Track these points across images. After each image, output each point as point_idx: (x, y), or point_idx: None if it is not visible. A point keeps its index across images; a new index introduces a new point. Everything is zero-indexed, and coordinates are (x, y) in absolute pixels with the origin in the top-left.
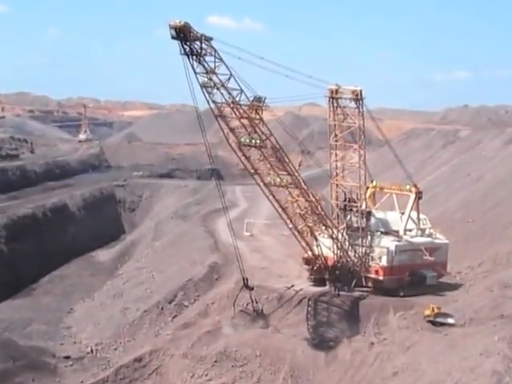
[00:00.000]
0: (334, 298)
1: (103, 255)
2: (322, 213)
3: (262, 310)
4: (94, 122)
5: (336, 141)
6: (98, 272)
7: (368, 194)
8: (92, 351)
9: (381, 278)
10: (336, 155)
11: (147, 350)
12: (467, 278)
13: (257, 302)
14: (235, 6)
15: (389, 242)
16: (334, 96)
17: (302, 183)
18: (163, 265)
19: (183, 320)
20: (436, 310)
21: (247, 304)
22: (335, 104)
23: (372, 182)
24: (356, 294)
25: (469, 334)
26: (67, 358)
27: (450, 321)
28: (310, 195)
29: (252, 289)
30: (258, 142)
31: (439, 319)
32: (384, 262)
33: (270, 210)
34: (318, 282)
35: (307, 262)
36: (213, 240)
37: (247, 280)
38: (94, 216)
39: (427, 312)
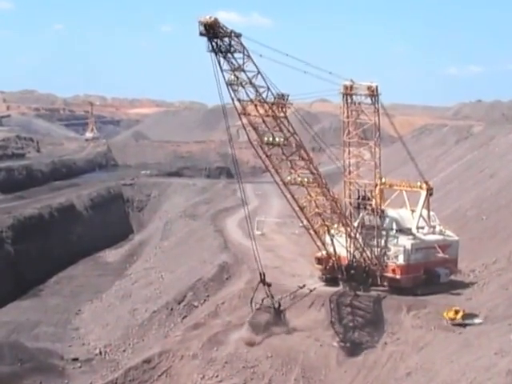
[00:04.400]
0: (351, 298)
1: (111, 255)
2: (341, 211)
3: (279, 306)
4: (101, 120)
5: (349, 138)
6: (106, 272)
7: (376, 192)
8: (100, 353)
9: (398, 276)
10: (349, 152)
11: (156, 352)
12: (481, 276)
13: (273, 298)
14: (243, 1)
15: (405, 240)
16: (348, 92)
17: (323, 182)
18: (172, 265)
19: (193, 321)
20: (461, 313)
21: (263, 299)
22: (349, 100)
23: (381, 179)
24: (373, 293)
25: (483, 332)
26: (75, 359)
27: (478, 321)
28: (330, 194)
29: (270, 285)
30: (282, 140)
31: (467, 321)
32: (401, 260)
33: (281, 209)
34: (330, 281)
35: (319, 261)
36: (222, 239)
37: (264, 275)
38: (101, 216)
39: (450, 315)
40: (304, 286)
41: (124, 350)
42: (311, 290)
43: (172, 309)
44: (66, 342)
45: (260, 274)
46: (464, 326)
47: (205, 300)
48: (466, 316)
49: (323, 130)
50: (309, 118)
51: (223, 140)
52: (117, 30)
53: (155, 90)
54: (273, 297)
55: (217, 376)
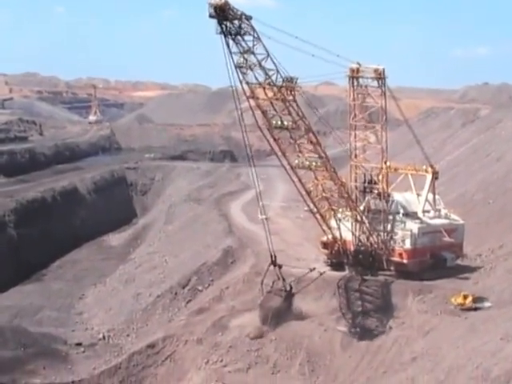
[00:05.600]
0: (358, 283)
1: (115, 239)
2: (349, 196)
3: (291, 289)
4: (104, 103)
5: (355, 121)
6: (109, 257)
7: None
8: (104, 337)
9: (405, 261)
10: (355, 136)
11: (160, 336)
12: (488, 260)
13: (284, 280)
14: None
15: (412, 225)
16: (354, 75)
17: (331, 166)
18: (176, 249)
19: (197, 305)
20: (470, 297)
21: (273, 282)
22: (355, 83)
23: (386, 162)
24: (381, 278)
25: (489, 317)
26: (79, 344)
27: (487, 304)
28: (338, 178)
29: (280, 266)
30: (291, 123)
31: (477, 304)
32: (408, 244)
33: (286, 193)
34: (335, 265)
35: (325, 245)
36: (227, 223)
37: (275, 257)
38: (104, 199)
39: (459, 300)
40: (314, 268)
41: (128, 335)
42: (321, 273)
43: (176, 293)
44: (69, 326)
45: (271, 256)
46: (475, 309)
47: (209, 284)
48: (475, 300)
49: (328, 114)
50: (314, 101)
51: (227, 123)
52: (119, 13)
53: (159, 72)
54: (284, 279)
55: (221, 360)
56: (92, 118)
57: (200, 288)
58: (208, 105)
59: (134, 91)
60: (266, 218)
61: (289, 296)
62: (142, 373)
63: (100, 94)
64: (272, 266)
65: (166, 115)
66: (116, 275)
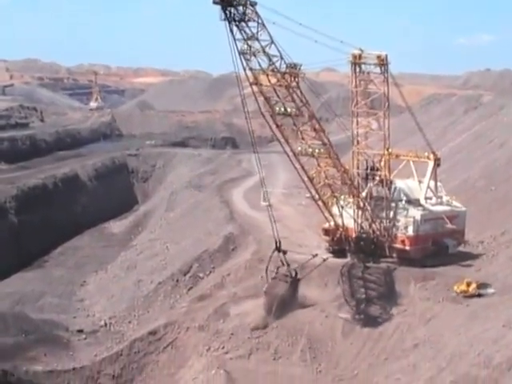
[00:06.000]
0: (361, 270)
1: (116, 226)
2: (352, 182)
3: (296, 274)
4: (105, 90)
5: (357, 108)
6: (110, 243)
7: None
8: (105, 324)
9: (407, 247)
10: (357, 122)
11: (162, 323)
12: (490, 247)
13: (289, 266)
14: None
15: (414, 212)
16: (356, 61)
17: (334, 152)
18: (177, 236)
19: (198, 292)
20: (474, 284)
21: (277, 268)
22: (358, 70)
23: (387, 149)
24: (383, 265)
25: (491, 304)
26: (80, 331)
27: (491, 291)
28: (341, 164)
29: (285, 252)
30: (294, 110)
31: (481, 291)
32: (410, 231)
33: (288, 179)
34: (337, 252)
35: (327, 232)
36: (228, 210)
37: (280, 243)
38: (106, 186)
39: (462, 288)
40: (316, 255)
41: (129, 322)
42: (324, 260)
43: (177, 280)
44: (70, 313)
45: (276, 242)
46: (478, 296)
47: (210, 271)
48: (479, 286)
49: (330, 100)
50: (316, 87)
51: (228, 110)
52: None
53: (160, 58)
54: (289, 265)
55: (223, 347)
56: (93, 104)
57: (201, 275)
58: (209, 91)
59: (135, 77)
60: (269, 205)
61: (294, 282)
62: (143, 360)
63: (101, 81)
64: (276, 252)
65: (167, 102)
66: (117, 262)
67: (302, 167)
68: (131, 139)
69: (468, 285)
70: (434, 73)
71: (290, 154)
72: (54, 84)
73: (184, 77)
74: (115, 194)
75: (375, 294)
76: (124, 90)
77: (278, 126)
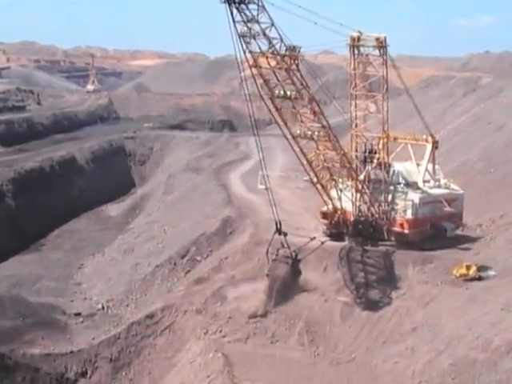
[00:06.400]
0: (360, 253)
1: (113, 209)
2: (351, 165)
3: (296, 256)
4: (103, 72)
5: (356, 90)
6: (108, 227)
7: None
8: (103, 308)
9: (406, 231)
10: (356, 105)
11: (159, 307)
12: (488, 230)
13: (289, 248)
14: None
15: (413, 195)
16: (355, 44)
17: (333, 135)
18: (175, 219)
19: (196, 275)
20: (474, 267)
21: (278, 250)
22: (356, 52)
23: (385, 131)
24: (382, 248)
25: (490, 287)
26: (78, 314)
27: (492, 273)
28: (341, 147)
29: (286, 234)
30: (294, 93)
31: (482, 273)
32: (409, 214)
33: (285, 162)
34: (335, 236)
35: (325, 215)
36: (226, 193)
37: (281, 224)
38: (103, 169)
39: (462, 271)
40: (314, 238)
41: (127, 305)
42: (322, 242)
43: (175, 263)
44: (68, 296)
45: (276, 223)
46: (479, 279)
47: (208, 255)
48: (479, 269)
49: (328, 83)
50: (314, 70)
51: (226, 92)
52: None
53: (157, 41)
54: (289, 247)
55: (220, 331)
56: (90, 87)
57: (199, 258)
58: (207, 74)
59: (133, 60)
60: (266, 188)
61: (295, 263)
62: (140, 343)
63: (98, 63)
64: (277, 234)
65: (165, 84)
66: (115, 245)
67: (301, 150)
68: (128, 122)
69: (467, 268)
70: (433, 55)
71: (289, 137)
72: (51, 67)
73: (181, 59)
74: (112, 176)
75: (374, 278)
76: (121, 72)
77: (277, 109)
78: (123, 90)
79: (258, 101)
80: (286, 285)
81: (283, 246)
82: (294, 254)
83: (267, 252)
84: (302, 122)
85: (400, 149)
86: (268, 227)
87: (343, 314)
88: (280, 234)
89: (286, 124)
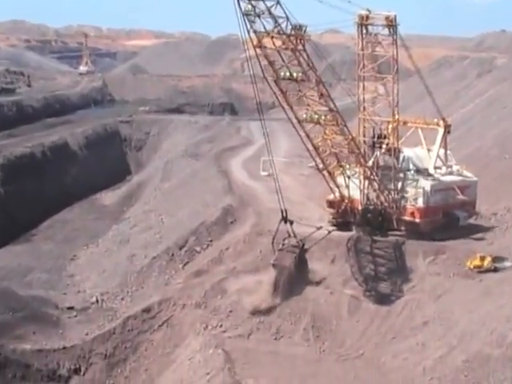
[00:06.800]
0: (369, 244)
1: (108, 198)
2: (360, 151)
3: (303, 245)
4: (96, 53)
5: (364, 72)
6: (102, 216)
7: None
8: (97, 301)
9: (417, 220)
10: (364, 87)
11: (156, 300)
12: (503, 219)
13: (296, 236)
14: None
15: (424, 182)
16: (363, 22)
17: (342, 119)
18: (173, 208)
19: (195, 267)
20: (489, 258)
21: (284, 239)
22: (364, 31)
23: (394, 115)
24: (392, 238)
25: (505, 279)
26: (71, 308)
27: (508, 264)
28: (349, 132)
29: (292, 222)
30: (300, 74)
31: (497, 264)
32: (420, 203)
33: (289, 148)
34: (341, 225)
35: (331, 204)
36: (226, 180)
37: (286, 212)
38: (97, 155)
39: (476, 262)
40: (321, 227)
41: (122, 299)
42: (330, 232)
43: (173, 254)
44: (60, 289)
45: (282, 211)
46: (494, 270)
47: (208, 245)
48: (495, 259)
49: (334, 64)
50: (319, 50)
51: (227, 74)
52: None
53: (154, 20)
54: (296, 236)
55: (221, 326)
56: (83, 68)
57: (198, 249)
58: (206, 54)
59: (128, 40)
60: (269, 175)
61: (302, 253)
62: (137, 338)
63: (91, 43)
64: (283, 223)
65: (162, 66)
66: (109, 236)
67: (307, 135)
68: (124, 105)
69: (482, 259)
70: (445, 34)
71: (295, 121)
72: (42, 47)
73: (180, 39)
74: (107, 163)
75: (383, 269)
76: (116, 53)
77: (282, 91)
78: (118, 72)
79: (260, 82)
80: (293, 276)
81: (289, 235)
82: (300, 244)
83: (273, 241)
84: (308, 105)
85: (410, 133)
86: (270, 217)
87: (350, 307)
88: (286, 222)
89: (291, 107)
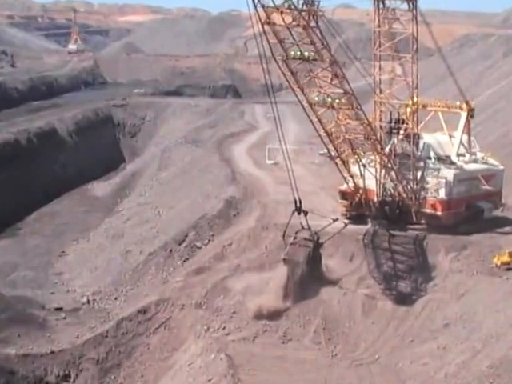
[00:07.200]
0: (387, 238)
1: (100, 188)
2: (377, 138)
3: (318, 239)
4: (87, 30)
5: (380, 51)
6: (93, 208)
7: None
8: (88, 301)
9: (438, 213)
10: (380, 67)
11: (153, 300)
12: None
13: (310, 229)
14: None
15: (446, 171)
16: None
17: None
18: (171, 199)
19: (195, 264)
20: None
21: (296, 232)
22: (381, 6)
23: (412, 98)
24: (411, 233)
25: None
26: (59, 309)
27: None
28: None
29: (306, 213)
30: (313, 54)
31: None
32: (442, 194)
33: (297, 134)
34: (355, 218)
35: (344, 195)
36: (229, 170)
37: (300, 202)
38: (88, 142)
39: (504, 259)
40: (337, 219)
41: (116, 299)
42: (346, 225)
43: (171, 250)
44: (47, 288)
45: (295, 201)
46: None
47: (209, 240)
48: None
49: (347, 42)
50: (330, 26)
51: (229, 53)
52: None
53: None
54: (310, 227)
55: (223, 328)
56: (72, 47)
57: (199, 244)
58: (207, 32)
59: (121, 16)
60: (276, 163)
61: (317, 247)
62: (131, 342)
63: (81, 19)
64: (296, 215)
65: (159, 44)
66: (101, 230)
67: (319, 120)
68: (117, 87)
69: (511, 255)
70: (469, 10)
71: (306, 104)
72: (27, 23)
73: (178, 15)
74: (99, 151)
75: (402, 267)
76: (108, 30)
77: (292, 72)
78: (110, 51)
79: (266, 63)
80: (306, 274)
81: (302, 228)
82: (315, 237)
83: (284, 234)
84: (320, 87)
85: (430, 118)
86: (278, 209)
87: (365, 308)
88: (300, 213)
89: (302, 90)
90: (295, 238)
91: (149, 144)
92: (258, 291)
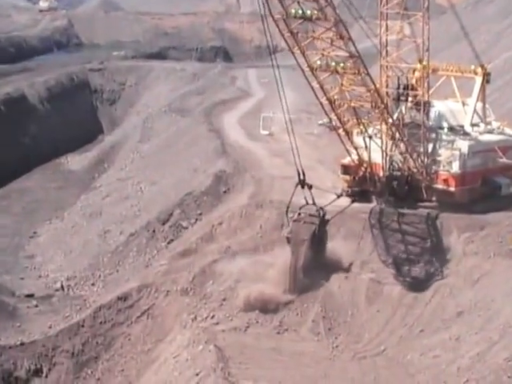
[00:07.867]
0: (395, 217)
1: (75, 162)
2: (385, 106)
3: (324, 215)
4: None
5: (387, 8)
6: (68, 184)
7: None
8: (62, 288)
9: (451, 188)
10: (387, 27)
11: (135, 286)
12: None
13: (315, 204)
14: None
15: (460, 142)
16: None
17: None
18: (154, 174)
19: (181, 246)
20: None
21: (300, 208)
22: None
23: (421, 61)
24: (421, 211)
25: None
26: (30, 296)
27: None
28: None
29: (311, 187)
30: (316, 12)
31: None
32: (455, 168)
33: (295, 102)
34: (357, 195)
35: (347, 169)
36: (219, 141)
37: (304, 175)
38: (61, 111)
39: None
40: (342, 195)
41: (93, 284)
42: (353, 201)
43: (154, 231)
44: (17, 273)
45: (299, 174)
46: None
47: (196, 219)
48: None
49: None
50: None
51: (219, 12)
52: None
53: None
54: (315, 202)
55: (212, 317)
56: (43, 4)
57: (185, 224)
58: None
59: None
60: (270, 134)
61: (323, 224)
62: (110, 332)
63: None
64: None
65: (140, 1)
66: (77, 208)
67: (321, 86)
68: (94, 49)
69: None
70: None
71: (306, 69)
72: None
73: None
74: (74, 120)
75: (411, 249)
76: None
77: (292, 33)
78: (86, 8)
79: (259, 22)
80: (311, 255)
81: (307, 203)
82: (321, 212)
83: (287, 210)
84: (323, 49)
85: (441, 83)
86: (273, 184)
87: (369, 294)
88: (303, 187)
89: (303, 53)
90: (299, 214)
91: (129, 113)
92: (252, 277)
